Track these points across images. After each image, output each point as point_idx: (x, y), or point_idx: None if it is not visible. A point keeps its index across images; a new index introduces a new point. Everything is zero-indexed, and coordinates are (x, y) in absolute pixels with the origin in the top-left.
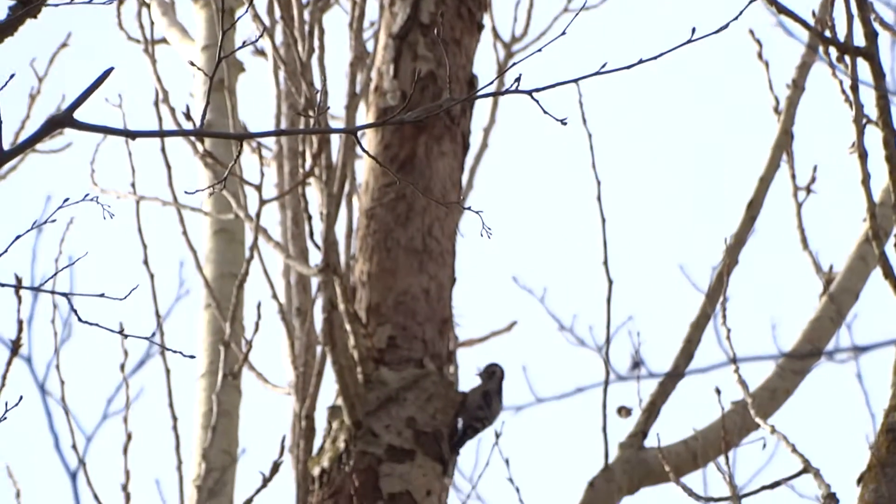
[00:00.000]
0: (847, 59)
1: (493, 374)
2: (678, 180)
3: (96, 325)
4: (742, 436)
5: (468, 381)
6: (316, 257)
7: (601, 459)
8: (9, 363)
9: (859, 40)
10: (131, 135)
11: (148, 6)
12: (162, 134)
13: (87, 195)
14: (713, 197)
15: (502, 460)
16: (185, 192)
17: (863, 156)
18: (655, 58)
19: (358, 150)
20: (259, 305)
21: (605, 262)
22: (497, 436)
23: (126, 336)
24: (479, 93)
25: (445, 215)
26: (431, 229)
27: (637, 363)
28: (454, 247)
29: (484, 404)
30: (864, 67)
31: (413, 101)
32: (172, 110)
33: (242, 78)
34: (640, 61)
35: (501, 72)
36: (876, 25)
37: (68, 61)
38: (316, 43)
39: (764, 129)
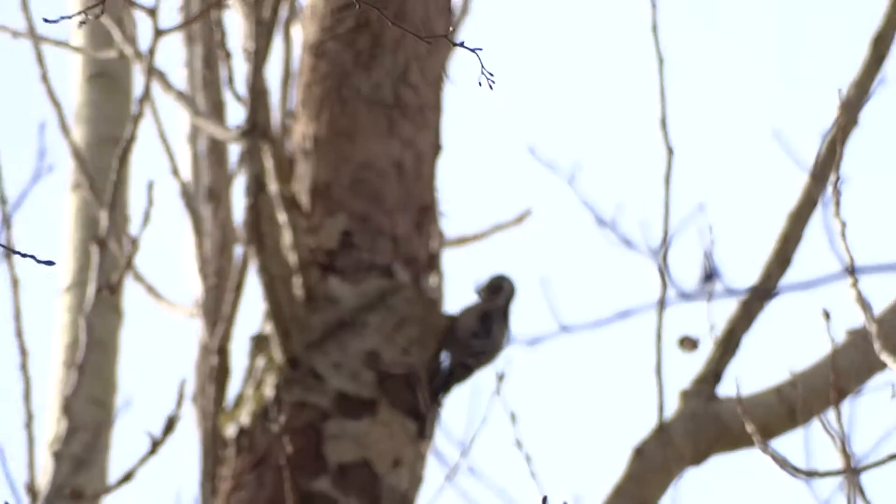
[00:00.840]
0: None
1: (498, 291)
2: (770, 3)
3: None
4: (862, 380)
5: (459, 298)
6: (237, 114)
7: (654, 415)
8: None
9: None
10: None
11: None
12: None
13: None
14: (822, 29)
15: (507, 415)
16: (45, 20)
17: None
18: None
19: None
20: (151, 186)
21: (664, 123)
22: (500, 379)
23: None
24: None
25: (427, 54)
26: (407, 74)
27: (709, 274)
28: (440, 100)
29: (482, 331)
30: None
31: None
32: None
33: None
34: None
35: None
36: None
37: None
38: None
39: None
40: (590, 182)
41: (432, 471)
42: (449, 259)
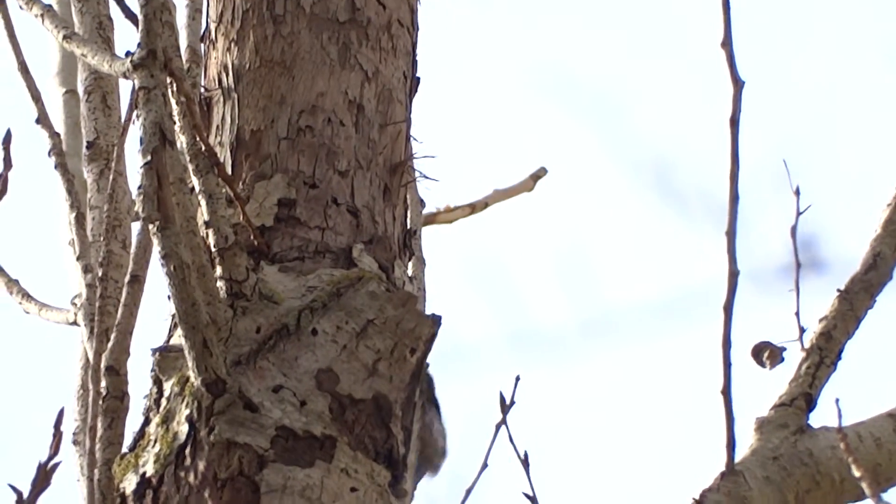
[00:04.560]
0: None
1: None
2: None
3: None
4: None
5: (443, 292)
6: (129, 38)
7: (720, 454)
8: None
9: None
10: None
11: None
12: None
13: None
14: None
15: (515, 454)
16: None
17: None
18: None
19: None
20: (7, 139)
21: (727, 45)
22: (506, 405)
23: None
24: None
25: None
26: None
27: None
28: (415, 12)
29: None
30: None
31: None
32: None
33: None
34: None
35: None
36: None
37: None
38: None
39: None
40: (630, 123)
41: None
42: (432, 238)
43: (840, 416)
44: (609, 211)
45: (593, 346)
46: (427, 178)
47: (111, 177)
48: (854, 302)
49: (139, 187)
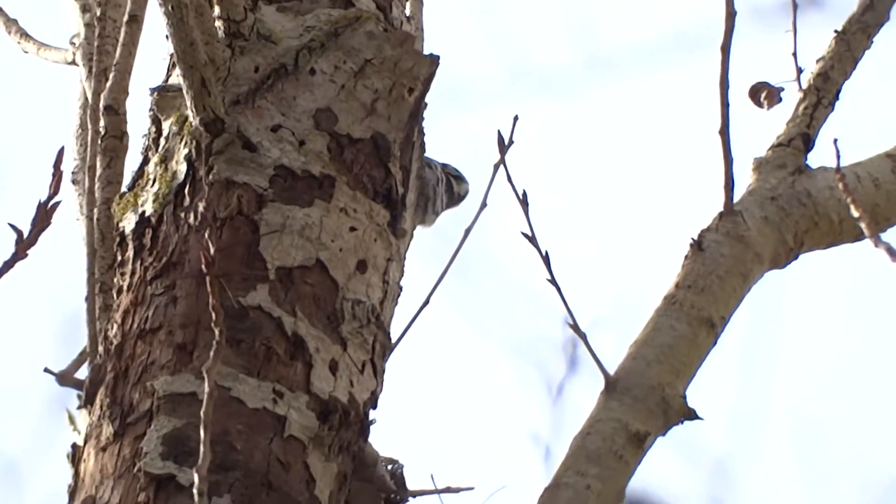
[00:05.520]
0: None
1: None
2: None
3: None
4: None
5: (446, 35)
6: None
7: (719, 195)
8: None
9: None
10: None
11: None
12: None
13: None
14: None
15: (514, 194)
16: None
17: None
18: None
19: None
20: None
21: None
22: (504, 145)
23: None
24: None
25: None
26: None
27: None
28: None
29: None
30: None
31: None
32: None
33: None
34: None
35: None
36: None
37: None
38: None
39: None
40: None
41: (414, 274)
42: None
43: (838, 156)
44: None
45: (593, 84)
46: None
47: None
48: (851, 43)
49: None
